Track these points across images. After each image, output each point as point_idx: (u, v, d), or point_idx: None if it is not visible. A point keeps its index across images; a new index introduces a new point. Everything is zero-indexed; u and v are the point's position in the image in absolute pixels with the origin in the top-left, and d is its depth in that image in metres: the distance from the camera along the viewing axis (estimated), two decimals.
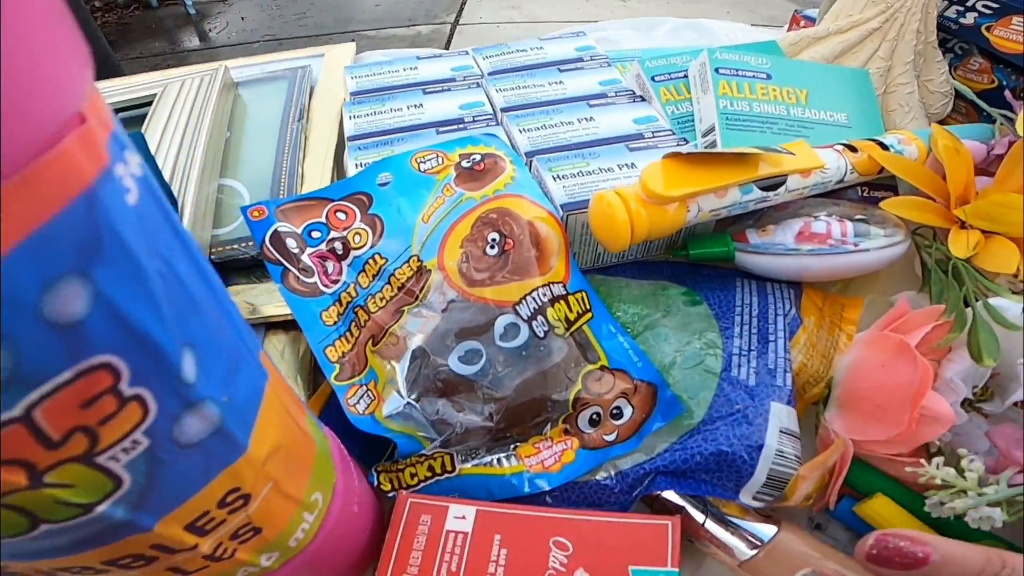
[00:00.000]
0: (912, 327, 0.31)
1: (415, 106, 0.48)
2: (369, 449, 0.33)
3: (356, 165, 0.43)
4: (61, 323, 0.12)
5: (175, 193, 0.40)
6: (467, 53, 0.57)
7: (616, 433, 0.33)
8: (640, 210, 0.34)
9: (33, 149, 0.11)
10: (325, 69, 0.59)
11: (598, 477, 0.33)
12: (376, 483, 0.33)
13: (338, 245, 0.37)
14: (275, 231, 0.37)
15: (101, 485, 0.14)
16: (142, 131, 0.46)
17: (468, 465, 0.33)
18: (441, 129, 0.46)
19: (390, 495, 0.32)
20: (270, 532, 0.22)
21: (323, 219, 0.38)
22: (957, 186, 0.37)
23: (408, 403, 0.32)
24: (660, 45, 0.68)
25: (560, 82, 0.51)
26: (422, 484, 0.33)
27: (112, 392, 0.13)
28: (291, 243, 0.37)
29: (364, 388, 0.33)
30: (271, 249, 0.37)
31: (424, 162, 0.40)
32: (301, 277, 0.36)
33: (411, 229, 0.38)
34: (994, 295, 0.33)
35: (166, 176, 0.41)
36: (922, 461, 0.28)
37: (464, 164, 0.40)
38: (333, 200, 0.39)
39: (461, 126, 0.46)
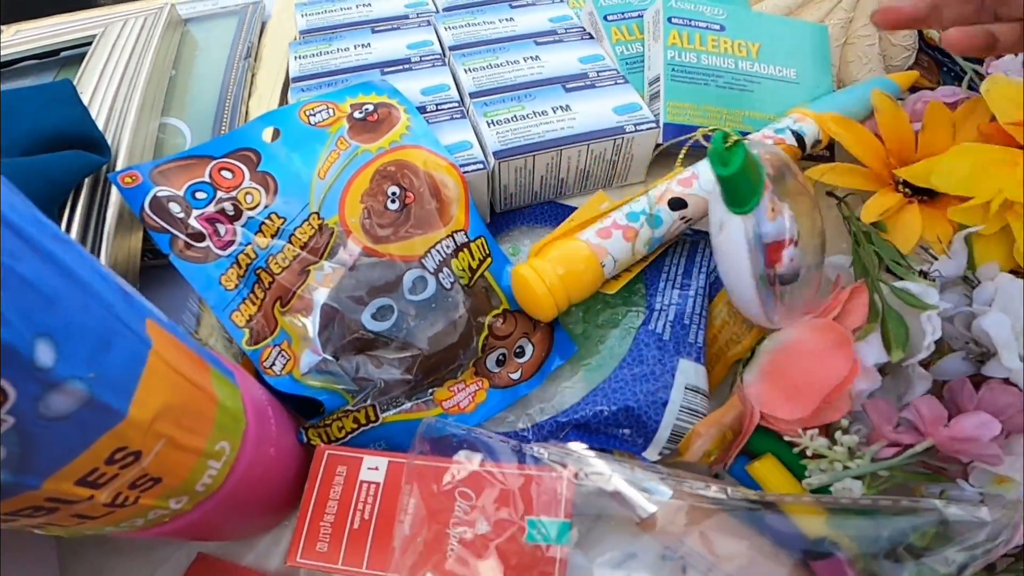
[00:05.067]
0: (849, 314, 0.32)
1: (362, 46, 0.48)
2: (306, 404, 0.34)
3: None
4: None
5: (111, 134, 0.40)
6: None
7: (520, 371, 0.34)
8: (556, 282, 0.34)
9: None
10: (279, 4, 0.57)
11: (518, 428, 0.34)
12: (306, 440, 0.33)
13: (228, 206, 0.35)
14: (154, 196, 0.34)
15: None
16: (79, 73, 0.45)
17: (390, 413, 0.34)
18: (386, 70, 0.45)
19: None
20: (171, 480, 0.23)
21: (207, 179, 0.35)
22: (896, 144, 0.37)
23: (324, 358, 0.33)
24: None
25: (511, 19, 0.50)
26: (349, 436, 0.34)
27: None
28: (174, 207, 0.34)
29: (278, 349, 0.33)
30: (152, 216, 0.34)
31: (314, 115, 0.39)
32: (191, 243, 0.34)
33: (307, 186, 0.36)
34: (900, 279, 0.33)
35: (102, 117, 0.41)
36: (799, 431, 0.29)
37: (356, 115, 0.39)
38: (215, 157, 0.36)
39: (407, 66, 0.45)
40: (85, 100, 0.43)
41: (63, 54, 0.52)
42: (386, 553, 0.30)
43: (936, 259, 0.35)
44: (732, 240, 0.31)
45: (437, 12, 0.52)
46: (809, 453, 0.29)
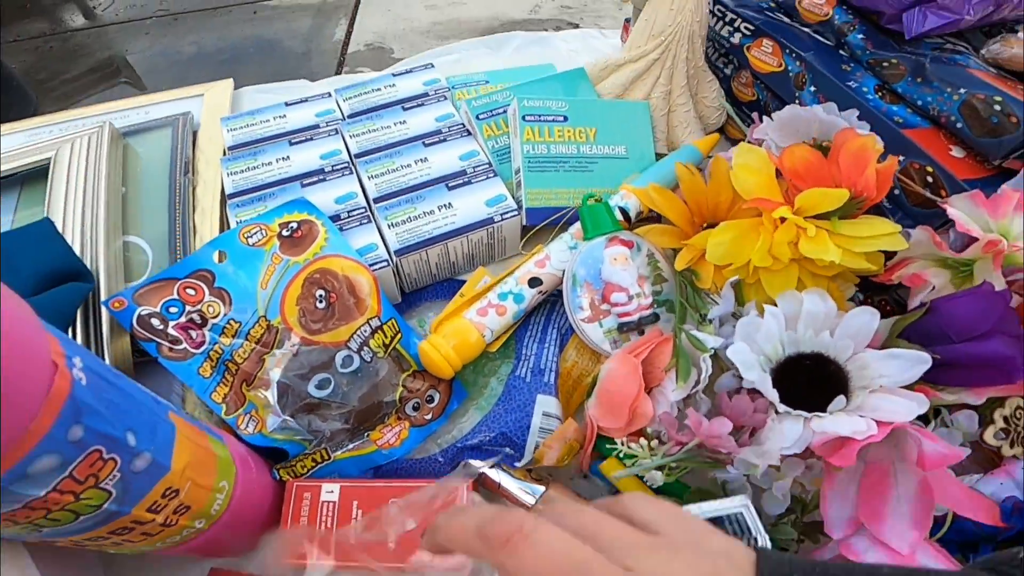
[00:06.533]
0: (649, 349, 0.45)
1: (283, 159, 0.59)
2: (275, 452, 0.45)
3: (236, 221, 0.53)
4: (74, 440, 0.26)
5: (88, 256, 0.50)
6: (330, 96, 0.66)
7: (431, 413, 0.47)
8: (450, 352, 0.46)
9: (45, 388, 0.24)
10: (205, 112, 0.67)
11: (432, 453, 0.46)
12: (278, 477, 0.45)
13: (196, 316, 0.46)
14: (139, 316, 0.45)
15: (104, 496, 0.28)
16: (47, 197, 0.54)
17: (339, 452, 0.46)
18: (305, 182, 0.56)
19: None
20: (196, 508, 0.35)
21: (176, 296, 0.46)
22: (696, 205, 0.50)
23: (284, 419, 0.44)
24: (507, 63, 0.77)
25: (404, 121, 0.62)
26: (310, 471, 0.45)
27: (101, 459, 0.27)
28: (155, 322, 0.45)
29: (248, 415, 0.44)
30: (140, 331, 0.44)
31: (251, 236, 0.50)
32: (173, 347, 0.45)
33: (254, 296, 0.47)
34: (693, 327, 0.46)
35: (77, 243, 0.50)
36: (617, 440, 0.42)
37: (284, 233, 0.50)
38: (179, 278, 0.47)
39: (322, 177, 0.57)
40: (59, 225, 0.52)
41: (23, 173, 0.61)
42: (342, 547, 0.41)
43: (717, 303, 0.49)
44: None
45: (343, 119, 0.63)
46: (623, 454, 0.43)
